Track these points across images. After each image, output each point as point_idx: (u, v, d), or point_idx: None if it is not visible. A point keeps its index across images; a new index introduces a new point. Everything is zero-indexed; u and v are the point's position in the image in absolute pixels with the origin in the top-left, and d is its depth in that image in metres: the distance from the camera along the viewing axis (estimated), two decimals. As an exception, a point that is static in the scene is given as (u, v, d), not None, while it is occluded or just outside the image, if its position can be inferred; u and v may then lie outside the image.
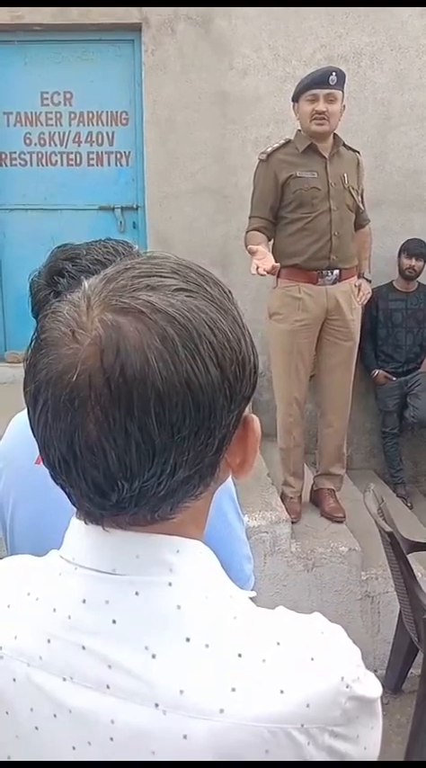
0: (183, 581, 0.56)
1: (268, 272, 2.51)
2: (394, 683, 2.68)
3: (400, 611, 2.55)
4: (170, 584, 0.55)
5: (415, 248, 3.91)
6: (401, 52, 3.89)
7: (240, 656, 0.54)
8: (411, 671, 2.62)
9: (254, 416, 0.60)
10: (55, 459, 0.53)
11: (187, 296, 0.53)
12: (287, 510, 2.89)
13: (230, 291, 0.58)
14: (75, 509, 0.58)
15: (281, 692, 0.53)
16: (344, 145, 2.97)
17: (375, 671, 2.70)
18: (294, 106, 2.91)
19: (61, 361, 0.51)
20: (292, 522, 2.87)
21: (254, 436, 0.59)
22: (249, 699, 0.52)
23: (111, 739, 0.54)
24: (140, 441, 0.50)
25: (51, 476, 0.56)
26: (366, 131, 3.84)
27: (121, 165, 4.12)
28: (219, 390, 0.52)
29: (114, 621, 0.55)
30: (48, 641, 0.57)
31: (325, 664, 0.55)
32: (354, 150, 3.01)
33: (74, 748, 0.56)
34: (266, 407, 3.71)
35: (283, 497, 3.03)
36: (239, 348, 0.54)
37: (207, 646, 0.54)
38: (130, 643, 0.54)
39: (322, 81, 2.77)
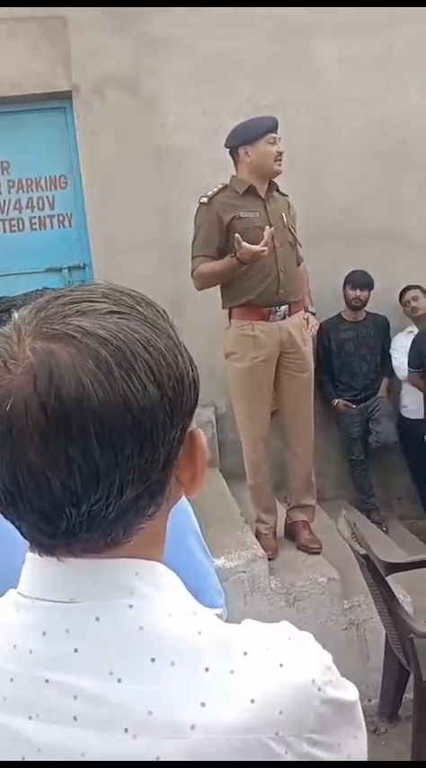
0: (144, 602, 0.55)
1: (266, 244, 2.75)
2: (389, 712, 2.63)
3: (386, 635, 2.53)
4: (131, 607, 0.55)
5: (359, 279, 4.02)
6: (323, 97, 4.08)
7: (207, 669, 0.53)
8: (405, 695, 2.58)
9: (200, 430, 0.61)
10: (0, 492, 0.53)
11: (119, 318, 0.54)
12: (262, 547, 2.87)
13: (164, 311, 0.59)
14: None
15: (252, 701, 0.52)
16: (277, 190, 3.08)
17: (369, 700, 2.67)
18: (241, 150, 2.96)
19: None
20: (269, 559, 2.85)
21: (201, 450, 0.60)
22: (220, 712, 0.52)
23: None
24: (82, 464, 0.51)
25: None
26: (298, 173, 3.98)
27: (64, 227, 4.18)
28: (159, 407, 0.53)
29: (76, 650, 0.54)
30: (11, 680, 0.55)
31: (295, 668, 0.54)
32: (283, 194, 3.14)
33: None
34: (233, 447, 3.70)
35: (258, 535, 3.02)
36: (176, 364, 0.55)
37: (173, 663, 0.53)
38: (94, 670, 0.53)
39: (276, 125, 2.96)
